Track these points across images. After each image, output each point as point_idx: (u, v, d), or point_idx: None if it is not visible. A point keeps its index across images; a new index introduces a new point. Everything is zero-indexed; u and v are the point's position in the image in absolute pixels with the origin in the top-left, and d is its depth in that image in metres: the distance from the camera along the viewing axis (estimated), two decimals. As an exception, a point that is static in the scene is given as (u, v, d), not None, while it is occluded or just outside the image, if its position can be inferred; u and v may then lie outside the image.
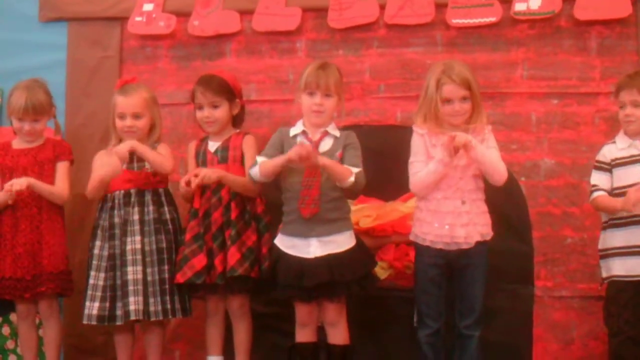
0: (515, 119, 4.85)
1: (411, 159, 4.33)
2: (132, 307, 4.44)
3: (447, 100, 4.24)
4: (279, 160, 4.27)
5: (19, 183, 4.50)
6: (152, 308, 4.46)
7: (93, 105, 5.17)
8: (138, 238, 4.51)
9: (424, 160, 4.29)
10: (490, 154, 4.23)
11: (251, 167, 4.38)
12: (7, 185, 4.51)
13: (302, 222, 4.27)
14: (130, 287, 4.46)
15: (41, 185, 4.59)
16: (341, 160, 4.29)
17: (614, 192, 4.37)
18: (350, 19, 4.99)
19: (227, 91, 4.60)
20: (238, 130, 4.65)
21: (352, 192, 4.36)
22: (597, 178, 4.42)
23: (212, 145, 4.61)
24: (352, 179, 4.22)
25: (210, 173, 4.43)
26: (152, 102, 4.68)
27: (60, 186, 4.66)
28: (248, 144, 4.56)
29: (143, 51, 5.22)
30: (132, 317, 4.44)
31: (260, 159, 4.35)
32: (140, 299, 4.44)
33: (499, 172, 4.25)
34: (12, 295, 4.61)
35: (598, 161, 4.44)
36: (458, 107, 4.24)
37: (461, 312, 4.31)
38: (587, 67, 4.84)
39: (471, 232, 4.25)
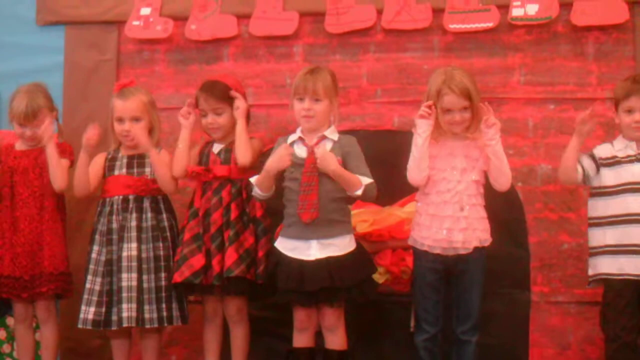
0: (512, 124, 4.85)
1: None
2: (125, 314, 4.44)
3: (447, 111, 4.25)
4: (264, 172, 4.30)
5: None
6: (147, 315, 4.46)
7: (90, 109, 5.16)
8: (134, 245, 4.51)
9: None
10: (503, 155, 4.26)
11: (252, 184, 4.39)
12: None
13: (303, 225, 4.26)
14: (124, 294, 4.46)
15: (54, 159, 4.59)
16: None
17: (606, 190, 4.36)
18: (347, 23, 4.99)
19: (230, 97, 4.58)
20: None
21: (360, 199, 4.36)
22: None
23: (217, 147, 4.61)
24: (359, 192, 4.23)
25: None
26: (151, 106, 4.68)
27: (62, 171, 4.65)
28: (253, 147, 4.55)
29: (140, 55, 5.22)
30: (125, 324, 4.44)
31: (253, 178, 4.36)
32: (134, 306, 4.44)
33: (508, 174, 4.28)
34: (10, 294, 4.62)
35: (589, 150, 4.45)
36: (458, 117, 4.25)
37: (458, 318, 4.32)
38: (584, 73, 4.84)
39: (469, 238, 4.25)
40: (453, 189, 4.26)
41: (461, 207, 4.24)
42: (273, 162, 4.28)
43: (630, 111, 4.36)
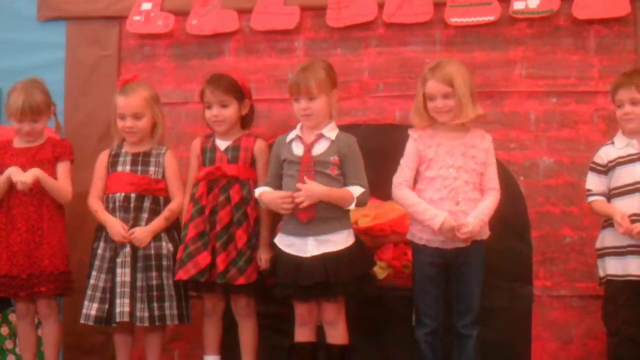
0: (513, 118, 4.85)
1: (401, 161, 4.38)
2: (118, 310, 4.44)
3: (430, 98, 4.27)
4: (271, 203, 4.30)
5: (24, 178, 4.52)
6: (138, 313, 4.45)
7: (92, 104, 5.17)
8: (128, 243, 4.51)
9: (412, 167, 4.34)
10: (483, 211, 4.27)
11: (257, 191, 4.41)
12: (16, 179, 4.53)
13: (300, 222, 4.26)
14: (118, 289, 4.46)
15: (50, 181, 4.59)
16: (339, 167, 4.28)
17: (613, 192, 4.37)
18: (348, 17, 4.98)
19: (236, 90, 4.58)
20: (247, 132, 4.64)
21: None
22: (592, 181, 4.42)
23: (222, 144, 4.59)
24: (352, 205, 4.25)
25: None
26: (153, 101, 4.66)
27: (64, 185, 4.66)
28: (261, 149, 4.55)
29: (141, 50, 5.22)
30: (118, 319, 4.44)
31: (258, 190, 4.37)
32: (126, 301, 4.43)
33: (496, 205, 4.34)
34: (7, 293, 4.62)
35: (594, 162, 4.44)
36: (440, 103, 4.26)
37: (458, 311, 4.33)
38: (586, 66, 4.83)
39: (467, 231, 4.26)
40: (449, 186, 4.27)
41: (456, 202, 4.24)
42: (273, 206, 4.29)
43: (619, 105, 4.39)
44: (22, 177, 4.54)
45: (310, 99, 4.30)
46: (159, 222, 4.55)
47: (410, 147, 4.37)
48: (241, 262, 4.43)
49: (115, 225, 4.51)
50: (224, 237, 4.45)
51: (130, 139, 4.64)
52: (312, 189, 4.20)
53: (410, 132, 4.38)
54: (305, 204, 4.20)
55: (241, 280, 4.41)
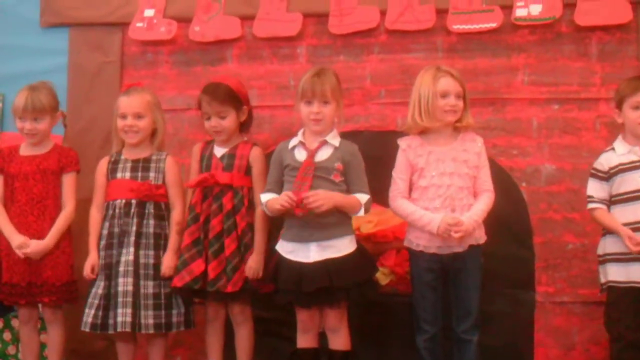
0: (516, 125, 4.85)
1: (394, 173, 4.38)
2: (119, 319, 4.43)
3: (444, 95, 4.27)
4: (276, 208, 4.28)
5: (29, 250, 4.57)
6: (143, 321, 4.44)
7: (94, 111, 5.18)
8: (132, 250, 4.50)
9: (404, 178, 4.34)
10: (477, 212, 4.26)
11: (260, 199, 4.39)
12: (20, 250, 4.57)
13: (302, 227, 4.26)
14: (120, 299, 4.45)
15: (52, 238, 4.61)
16: (342, 174, 4.29)
17: (614, 199, 4.37)
18: (350, 24, 4.99)
19: (234, 99, 4.56)
20: (246, 139, 4.64)
21: None
22: (593, 188, 4.40)
23: (219, 151, 4.59)
24: (361, 212, 4.27)
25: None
26: (155, 106, 4.67)
27: (66, 209, 4.67)
28: (256, 157, 4.55)
29: (144, 57, 5.23)
30: (119, 329, 4.43)
31: (264, 197, 4.35)
32: (129, 310, 4.42)
33: (490, 207, 4.33)
34: (8, 301, 4.63)
35: (595, 169, 4.43)
36: (454, 101, 4.27)
37: (458, 317, 4.33)
38: (588, 73, 4.83)
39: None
40: (444, 194, 4.28)
41: (452, 209, 4.24)
42: (275, 203, 4.26)
43: (637, 107, 4.35)
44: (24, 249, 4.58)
45: (324, 103, 4.31)
46: (173, 240, 4.55)
47: (400, 158, 4.37)
48: (228, 269, 4.43)
49: (92, 263, 4.55)
50: (216, 245, 4.46)
51: (130, 139, 4.63)
52: (322, 201, 4.18)
53: (400, 142, 4.39)
54: (324, 208, 4.18)
55: (228, 288, 4.41)
